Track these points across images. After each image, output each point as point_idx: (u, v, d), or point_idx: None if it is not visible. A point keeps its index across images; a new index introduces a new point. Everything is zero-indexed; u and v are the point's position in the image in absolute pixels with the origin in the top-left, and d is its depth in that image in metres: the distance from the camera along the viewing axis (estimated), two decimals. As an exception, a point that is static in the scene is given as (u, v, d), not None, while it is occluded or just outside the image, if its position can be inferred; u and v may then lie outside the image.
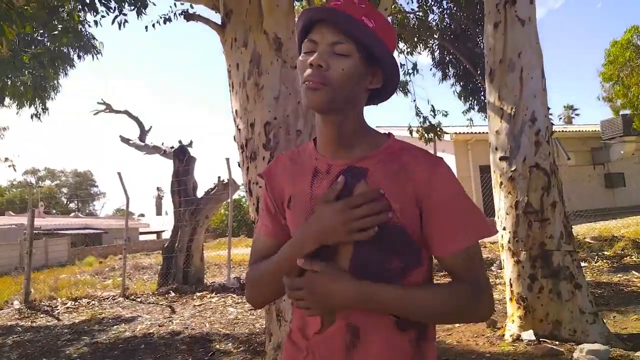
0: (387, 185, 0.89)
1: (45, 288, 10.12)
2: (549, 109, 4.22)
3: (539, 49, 4.25)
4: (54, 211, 40.41)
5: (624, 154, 17.09)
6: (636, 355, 3.29)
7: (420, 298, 0.88)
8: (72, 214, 38.67)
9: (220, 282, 8.79)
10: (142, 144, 11.82)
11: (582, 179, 17.05)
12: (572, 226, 10.20)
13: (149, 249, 25.17)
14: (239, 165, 4.26)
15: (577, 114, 44.49)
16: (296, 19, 4.14)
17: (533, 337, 3.71)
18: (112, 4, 3.67)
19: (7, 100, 6.25)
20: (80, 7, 3.57)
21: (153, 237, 34.85)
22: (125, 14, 3.95)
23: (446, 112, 8.11)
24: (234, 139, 4.26)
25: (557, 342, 3.60)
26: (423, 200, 0.89)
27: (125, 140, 12.02)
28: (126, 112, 12.48)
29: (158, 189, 57.38)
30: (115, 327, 6.06)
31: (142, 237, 32.31)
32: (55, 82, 5.94)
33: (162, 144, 11.39)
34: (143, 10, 4.01)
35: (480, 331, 4.30)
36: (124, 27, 4.03)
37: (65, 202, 51.67)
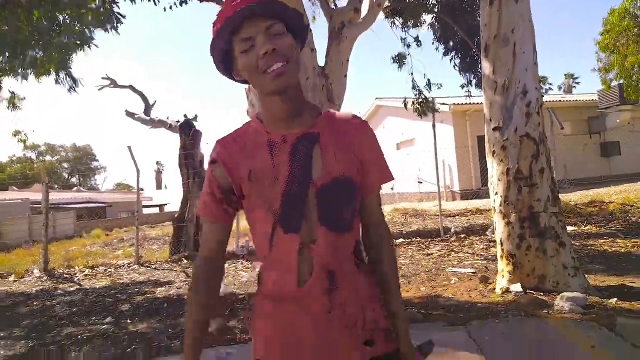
0: (336, 145, 1.07)
1: (60, 259, 10.58)
2: (540, 81, 4.51)
3: (532, 25, 4.52)
4: (56, 186, 40.79)
5: (620, 122, 17.37)
6: (610, 301, 3.72)
7: (392, 271, 1.17)
8: (75, 189, 39.02)
9: (230, 249, 9.23)
10: (148, 118, 12.06)
11: (579, 148, 17.40)
12: (567, 194, 10.61)
13: (153, 221, 25.70)
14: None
15: (577, 83, 44.38)
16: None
17: (521, 290, 4.14)
18: None
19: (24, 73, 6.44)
20: None
21: (156, 210, 35.39)
22: None
23: (440, 84, 8.43)
24: (247, 113, 4.59)
25: (542, 294, 4.04)
26: (361, 151, 1.10)
27: (131, 115, 12.25)
28: (131, 87, 12.66)
29: (158, 163, 57.67)
30: (137, 290, 6.53)
31: (145, 211, 32.78)
32: (75, 55, 6.13)
33: (168, 118, 11.65)
34: None
35: (473, 286, 4.74)
36: (158, 2, 4.26)
37: (66, 177, 51.99)
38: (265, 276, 1.09)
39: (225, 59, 1.09)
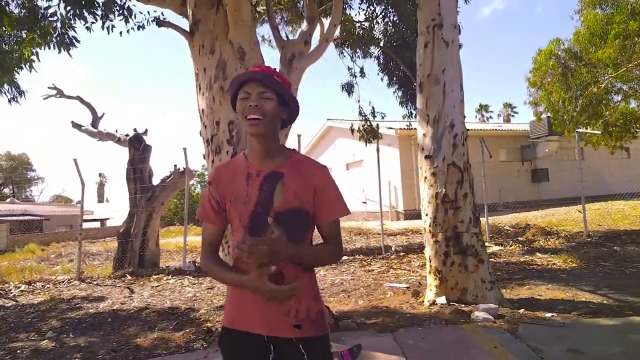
0: (296, 182, 1.46)
1: (-9, 273, 10.06)
2: (464, 117, 5.10)
3: (460, 66, 5.13)
4: (-15, 197, 38.13)
5: (548, 152, 19.01)
6: (518, 312, 4.27)
7: (319, 253, 1.52)
8: (8, 200, 36.62)
9: (176, 265, 9.23)
10: (95, 130, 11.83)
11: (512, 173, 18.82)
12: (499, 216, 11.43)
13: (94, 236, 24.61)
14: (204, 158, 4.83)
15: (516, 112, 47.60)
16: (257, 33, 4.80)
17: (445, 301, 4.62)
18: (99, 13, 4.07)
19: None
20: (71, 15, 3.92)
21: (97, 224, 33.87)
22: (112, 20, 4.35)
23: (384, 114, 9.12)
24: (200, 134, 4.84)
25: (462, 305, 4.53)
26: (317, 189, 1.49)
27: (77, 126, 11.97)
28: (78, 98, 12.38)
29: (100, 174, 55.33)
30: (78, 305, 6.44)
31: (85, 225, 31.26)
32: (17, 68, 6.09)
33: (116, 131, 11.50)
34: (130, 18, 4.42)
35: (406, 299, 5.19)
36: (112, 31, 4.43)
37: (-2, 187, 48.68)
38: (235, 264, 1.51)
39: (233, 98, 1.52)
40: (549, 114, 16.25)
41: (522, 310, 4.30)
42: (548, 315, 4.11)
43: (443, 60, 5.03)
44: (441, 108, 4.98)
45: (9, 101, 5.79)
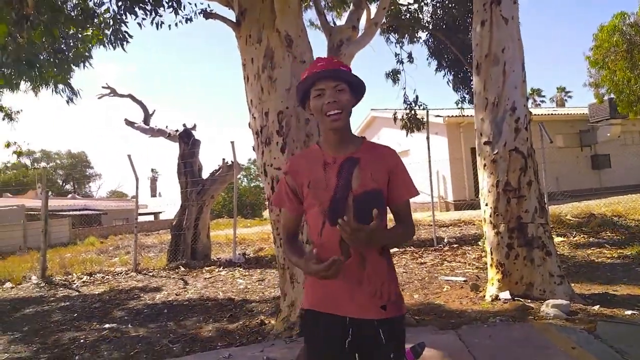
0: (371, 166, 1.53)
1: (56, 265, 10.65)
2: (527, 98, 4.74)
3: (521, 44, 4.77)
4: (50, 193, 40.67)
5: (610, 136, 17.74)
6: (592, 308, 3.92)
7: (394, 233, 1.59)
8: (70, 196, 38.91)
9: (227, 257, 9.36)
10: (147, 127, 12.20)
11: (570, 160, 17.73)
12: (558, 205, 10.80)
13: (148, 229, 25.66)
14: (253, 150, 4.77)
15: (570, 97, 45.02)
16: (304, 20, 4.66)
17: (509, 297, 4.33)
18: (149, 8, 4.12)
19: (22, 85, 6.57)
20: (122, 11, 4.00)
21: (150, 217, 35.31)
22: (161, 15, 4.41)
23: (426, 104, 8.83)
24: (249, 125, 4.78)
25: (529, 300, 4.23)
26: (391, 170, 1.56)
27: (130, 124, 12.40)
28: (130, 96, 12.82)
29: (153, 170, 57.61)
30: (135, 296, 6.65)
31: (140, 218, 32.68)
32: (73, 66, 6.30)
33: (167, 127, 11.80)
34: (179, 10, 4.45)
35: (464, 294, 4.93)
36: (161, 27, 4.48)
37: (61, 183, 51.80)
38: (316, 251, 1.51)
39: (303, 96, 1.59)
40: (611, 95, 15.16)
41: (597, 306, 3.94)
42: (628, 312, 3.74)
43: (502, 38, 4.69)
44: (501, 90, 4.65)
45: (67, 102, 6.00)
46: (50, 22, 3.43)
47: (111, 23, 4.27)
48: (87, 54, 4.78)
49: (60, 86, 6.06)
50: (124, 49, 4.46)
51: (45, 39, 3.80)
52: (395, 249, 8.33)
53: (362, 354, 1.51)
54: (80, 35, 4.37)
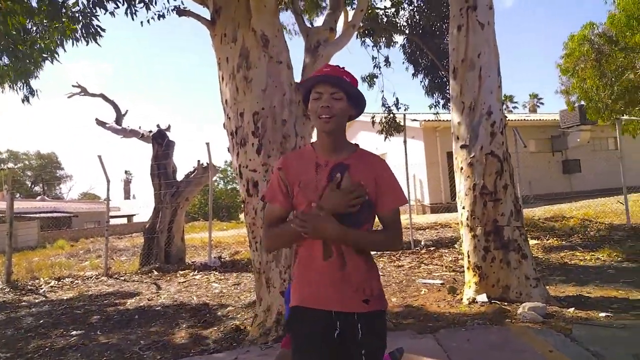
0: (361, 173, 1.58)
1: (22, 270, 10.23)
2: (503, 103, 4.79)
3: (496, 50, 4.81)
4: (18, 195, 39.27)
5: (580, 141, 18.27)
6: (568, 311, 3.96)
7: (371, 237, 1.61)
8: (39, 197, 37.63)
9: (202, 261, 9.17)
10: (119, 127, 11.88)
11: (542, 165, 18.13)
12: (531, 208, 10.99)
13: (121, 232, 25.01)
14: (228, 151, 4.66)
15: (541, 103, 46.22)
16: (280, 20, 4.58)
17: (486, 300, 4.34)
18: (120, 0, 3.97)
19: None
20: (92, 5, 3.83)
21: (123, 220, 34.48)
22: (135, 5, 4.23)
23: (407, 105, 8.83)
24: (224, 126, 4.66)
25: (505, 303, 4.25)
26: (377, 179, 1.60)
27: (102, 124, 12.05)
28: (102, 96, 12.46)
29: (126, 172, 56.38)
30: (105, 302, 6.41)
31: (113, 221, 31.87)
32: (39, 65, 6.02)
33: (140, 127, 11.51)
34: (151, 5, 4.29)
35: (442, 297, 4.93)
36: (136, 16, 4.30)
37: (30, 185, 50.12)
38: (300, 252, 1.65)
39: (305, 97, 1.65)
40: (581, 102, 15.59)
41: (572, 309, 3.99)
42: (602, 315, 3.79)
43: (478, 43, 4.72)
44: (477, 94, 4.68)
45: (22, 101, 5.69)
46: (7, 13, 3.24)
47: (80, 18, 4.08)
48: (54, 48, 4.56)
49: (19, 83, 5.76)
50: (97, 44, 4.28)
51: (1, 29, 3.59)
52: (372, 252, 8.31)
53: (345, 348, 1.55)
54: (46, 29, 4.16)
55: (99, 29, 4.21)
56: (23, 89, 5.89)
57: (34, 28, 4.52)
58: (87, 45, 4.28)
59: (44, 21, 4.21)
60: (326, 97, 1.56)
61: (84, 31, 4.10)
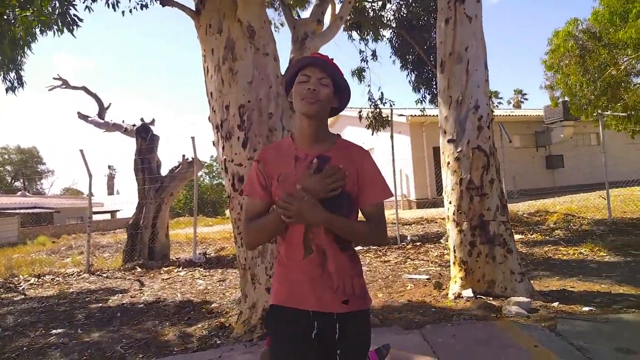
0: (342, 165, 1.50)
1: (1, 266, 9.99)
2: (490, 97, 4.78)
3: (484, 43, 4.80)
4: (-2, 190, 38.43)
5: (563, 137, 18.52)
6: (552, 305, 3.98)
7: (356, 227, 1.51)
8: (19, 193, 36.84)
9: (187, 257, 9.05)
10: (102, 121, 11.62)
11: (526, 160, 18.37)
12: (515, 203, 11.08)
13: (104, 228, 24.67)
14: (213, 145, 4.56)
15: (525, 99, 46.68)
16: (267, 11, 4.51)
17: (472, 294, 4.34)
18: None
19: None
20: None
21: (107, 216, 33.98)
22: None
23: (393, 101, 8.83)
24: (209, 119, 4.56)
25: (491, 298, 4.26)
26: (359, 172, 1.53)
27: (84, 117, 11.78)
28: (84, 88, 12.17)
29: (110, 167, 55.46)
30: (87, 299, 6.28)
31: (96, 217, 31.39)
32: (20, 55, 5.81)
33: (123, 121, 11.28)
34: None
35: (428, 292, 4.93)
36: (117, 7, 4.16)
37: (9, 180, 49.04)
38: (279, 250, 1.59)
39: (290, 81, 1.57)
40: (565, 98, 15.76)
41: (556, 303, 4.01)
42: (585, 309, 3.82)
43: (466, 36, 4.70)
44: (464, 88, 4.66)
45: (7, 90, 5.50)
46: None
47: (57, 5, 3.92)
48: (28, 38, 4.38)
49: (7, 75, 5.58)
50: (73, 35, 4.12)
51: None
52: (359, 248, 8.30)
53: (325, 348, 1.50)
54: (18, 18, 3.99)
55: (75, 19, 4.05)
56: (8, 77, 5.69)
57: (4, 17, 4.33)
58: (60, 34, 4.11)
59: (15, 10, 4.04)
60: (314, 80, 1.51)
61: (59, 21, 3.93)
